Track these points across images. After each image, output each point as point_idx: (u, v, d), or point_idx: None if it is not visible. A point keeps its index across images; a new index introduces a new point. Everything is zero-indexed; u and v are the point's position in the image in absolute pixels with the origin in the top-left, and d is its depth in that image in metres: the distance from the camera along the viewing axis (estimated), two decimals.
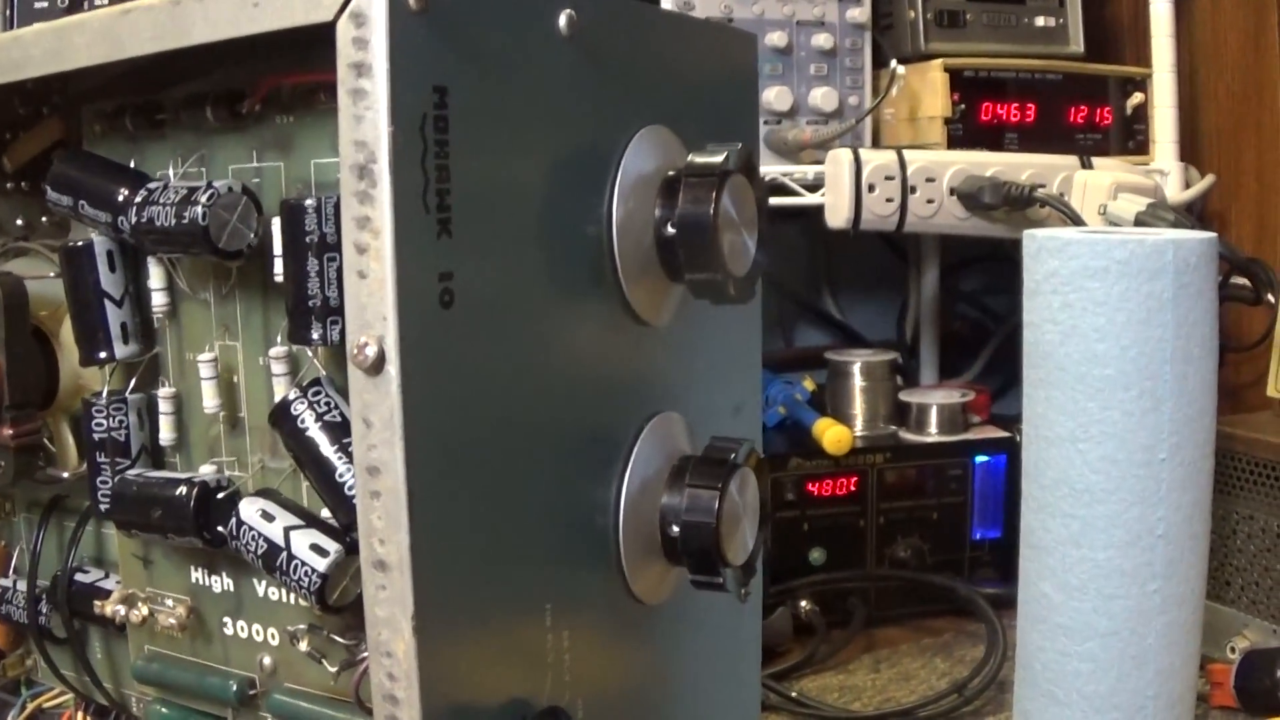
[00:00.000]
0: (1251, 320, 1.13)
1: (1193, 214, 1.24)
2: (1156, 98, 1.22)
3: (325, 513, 0.54)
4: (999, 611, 1.05)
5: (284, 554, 0.53)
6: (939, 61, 1.14)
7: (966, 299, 1.52)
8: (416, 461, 0.44)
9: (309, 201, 0.50)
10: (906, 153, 1.04)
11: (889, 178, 1.03)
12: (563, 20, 0.51)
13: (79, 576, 0.67)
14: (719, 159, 0.55)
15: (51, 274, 0.64)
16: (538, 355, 0.51)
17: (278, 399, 0.53)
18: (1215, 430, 0.74)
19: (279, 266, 0.52)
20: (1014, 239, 0.78)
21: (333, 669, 0.55)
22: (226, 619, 0.60)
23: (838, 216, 1.03)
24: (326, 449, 0.51)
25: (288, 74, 0.52)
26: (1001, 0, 1.22)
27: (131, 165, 0.58)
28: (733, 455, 0.58)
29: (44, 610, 0.68)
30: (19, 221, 0.71)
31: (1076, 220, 0.99)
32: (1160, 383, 0.70)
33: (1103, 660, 0.73)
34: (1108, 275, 0.70)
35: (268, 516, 0.54)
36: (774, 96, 1.12)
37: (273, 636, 0.59)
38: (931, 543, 1.15)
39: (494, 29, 0.48)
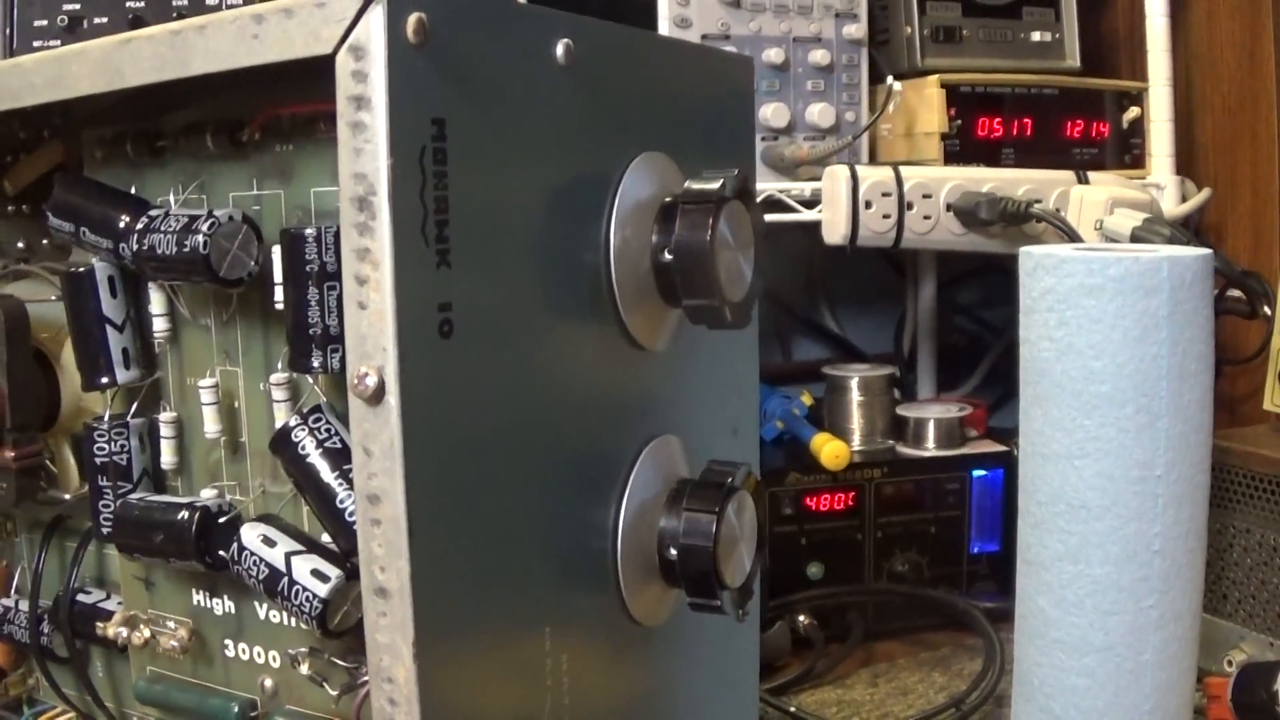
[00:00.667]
0: (1248, 333, 1.13)
1: (1189, 227, 1.24)
2: (1152, 112, 1.22)
3: (326, 537, 0.54)
4: (997, 625, 1.05)
5: (285, 579, 0.53)
6: (935, 77, 1.15)
7: (964, 312, 1.53)
8: (416, 490, 0.44)
9: (309, 231, 0.50)
10: (903, 169, 1.04)
11: (885, 194, 1.03)
12: (560, 50, 0.52)
13: (81, 597, 0.67)
14: (715, 185, 0.56)
15: (53, 297, 0.64)
16: (536, 382, 0.52)
17: (279, 425, 0.54)
18: (1211, 445, 0.74)
19: (279, 294, 0.52)
20: (1011, 254, 0.78)
21: (334, 692, 0.56)
22: (228, 641, 0.61)
23: (835, 233, 1.03)
24: (327, 475, 0.52)
25: (288, 103, 0.53)
26: (997, 15, 1.22)
27: (132, 191, 0.59)
28: (730, 479, 0.59)
29: (46, 630, 0.69)
30: (20, 244, 0.71)
31: (1073, 236, 0.99)
32: (1156, 399, 0.70)
33: (1099, 675, 0.73)
34: (1103, 292, 0.70)
35: (269, 542, 0.54)
36: (771, 113, 1.12)
37: (274, 659, 0.59)
38: (929, 557, 1.15)
39: (492, 60, 0.48)
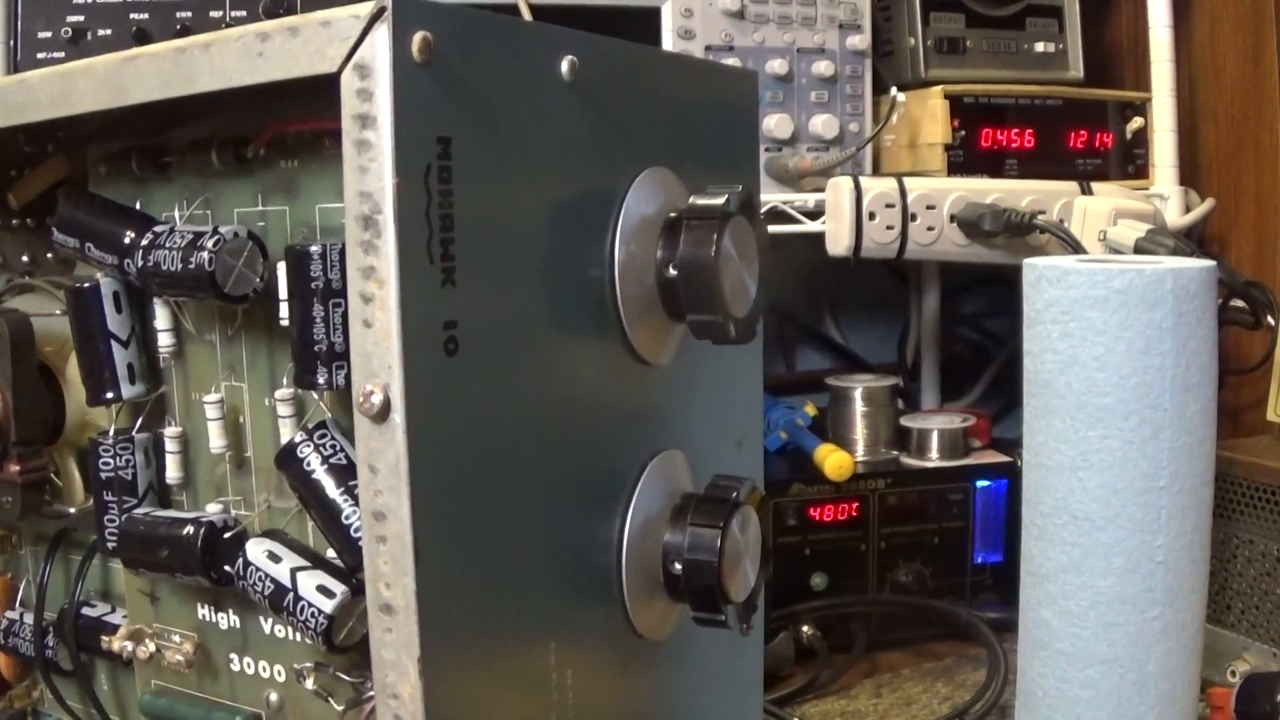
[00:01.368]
0: (1252, 342, 1.13)
1: (1193, 237, 1.24)
2: (1156, 122, 1.23)
3: (331, 553, 0.54)
4: (1001, 635, 1.05)
5: (290, 595, 0.53)
6: (939, 88, 1.15)
7: (967, 322, 1.53)
8: (421, 507, 0.44)
9: (314, 248, 0.50)
10: (907, 180, 1.04)
11: (889, 205, 1.03)
12: (564, 66, 0.52)
13: (86, 610, 0.68)
14: (720, 201, 0.56)
15: (57, 311, 0.64)
16: (541, 398, 0.52)
17: (284, 441, 0.54)
18: (1215, 457, 0.74)
19: (285, 310, 0.52)
20: (1014, 265, 0.78)
21: (339, 707, 0.56)
22: (233, 655, 0.61)
23: (838, 244, 1.03)
24: (333, 491, 0.52)
25: (293, 120, 0.53)
26: (1001, 26, 1.22)
27: (137, 206, 0.59)
28: (734, 494, 0.59)
29: (51, 644, 0.69)
30: (24, 258, 0.71)
31: (1076, 247, 1.00)
32: (1160, 411, 0.70)
33: (1103, 687, 0.73)
34: (1107, 304, 0.70)
35: (274, 557, 0.54)
36: (775, 124, 1.12)
37: (279, 673, 0.59)
38: (933, 567, 1.15)
39: (497, 78, 0.48)
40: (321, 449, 0.52)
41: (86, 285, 0.59)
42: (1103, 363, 0.70)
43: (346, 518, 0.51)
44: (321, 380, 0.51)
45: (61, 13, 1.00)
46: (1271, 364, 1.02)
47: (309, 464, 0.52)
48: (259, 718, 0.60)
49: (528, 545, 0.51)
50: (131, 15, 1.00)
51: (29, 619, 0.69)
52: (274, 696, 0.60)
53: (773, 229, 1.08)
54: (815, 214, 1.11)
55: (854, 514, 1.13)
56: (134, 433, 0.60)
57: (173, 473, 0.60)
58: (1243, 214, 1.29)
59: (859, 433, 1.20)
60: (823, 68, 1.15)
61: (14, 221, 0.71)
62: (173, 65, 0.50)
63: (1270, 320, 1.02)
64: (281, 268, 0.52)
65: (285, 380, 0.55)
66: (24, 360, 0.63)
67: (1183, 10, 1.26)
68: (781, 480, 1.12)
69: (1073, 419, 0.72)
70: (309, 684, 0.57)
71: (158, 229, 0.55)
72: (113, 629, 0.65)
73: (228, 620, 0.61)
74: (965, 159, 1.16)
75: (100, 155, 0.61)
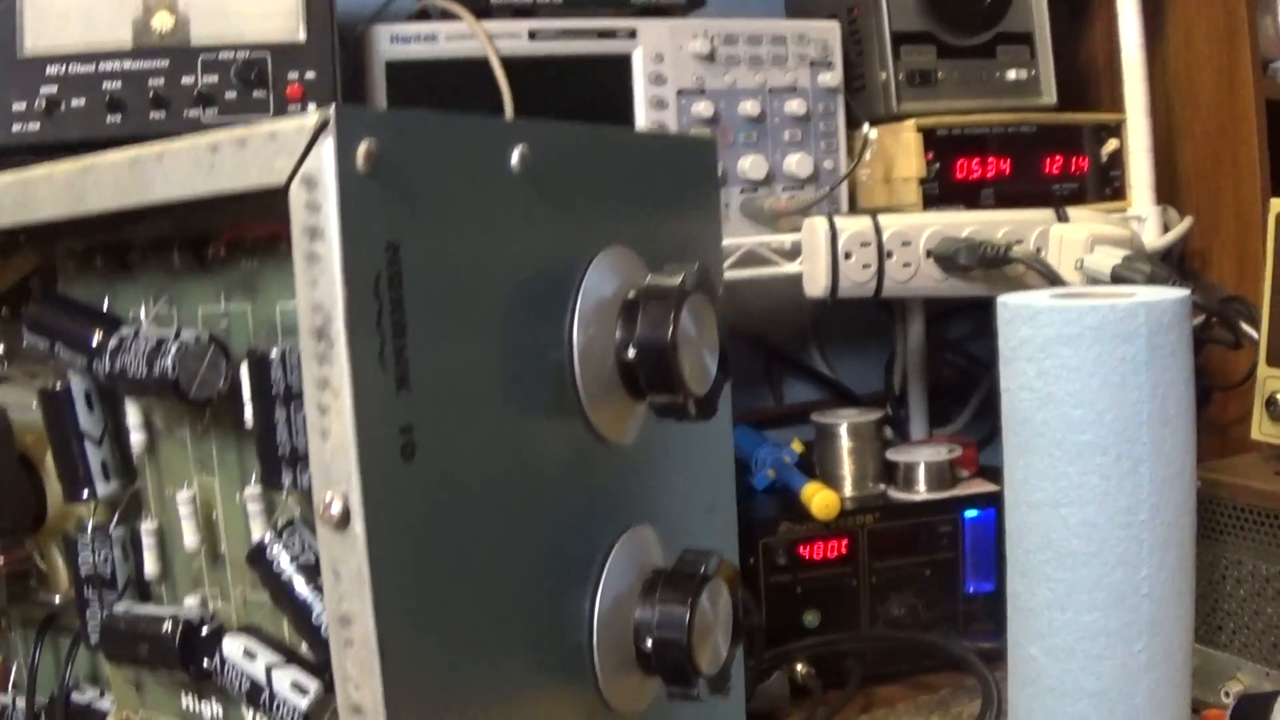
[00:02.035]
0: (1238, 356, 1.13)
1: (1173, 256, 1.24)
2: (1131, 142, 1.23)
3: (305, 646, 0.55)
4: (994, 665, 1.05)
5: (266, 693, 0.54)
6: (912, 122, 1.15)
7: (953, 347, 1.53)
8: (386, 611, 0.45)
9: (273, 354, 0.51)
10: (881, 217, 1.05)
11: (865, 244, 1.03)
12: (515, 158, 0.52)
13: (75, 696, 0.68)
14: (676, 280, 0.56)
15: (34, 404, 0.65)
16: (504, 487, 0.52)
17: (254, 539, 0.55)
18: (1195, 487, 0.74)
19: (249, 412, 0.53)
20: (994, 296, 0.79)
21: None
22: None
23: (816, 286, 1.04)
24: (302, 589, 0.53)
25: (250, 223, 0.54)
26: (972, 56, 1.22)
27: (105, 303, 0.60)
28: (703, 568, 0.59)
29: None
30: None
31: (1053, 278, 1.00)
32: (1138, 445, 0.71)
33: None
34: (1081, 341, 0.70)
35: (249, 655, 0.55)
36: (749, 165, 1.13)
37: None
38: (925, 599, 1.15)
39: (445, 178, 0.49)
40: (289, 547, 0.53)
41: (58, 388, 0.59)
42: (1079, 399, 0.71)
43: (316, 617, 0.52)
44: (287, 482, 0.52)
45: (35, 84, 1.00)
46: (1254, 382, 1.02)
47: (278, 565, 0.53)
48: None
49: (497, 632, 0.52)
50: (105, 85, 1.00)
51: (21, 703, 0.70)
52: None
53: (751, 272, 1.09)
54: (793, 254, 1.11)
55: (844, 550, 1.13)
56: (111, 529, 0.61)
57: (151, 567, 0.61)
58: (1223, 229, 1.29)
59: (846, 469, 1.20)
60: (795, 106, 1.15)
61: None
62: (128, 175, 0.51)
63: (1252, 332, 1.02)
64: (245, 367, 0.53)
65: (254, 477, 0.56)
66: (3, 452, 0.64)
67: (1155, 25, 1.26)
68: (770, 519, 1.12)
69: (1052, 455, 0.72)
70: None
71: (123, 332, 0.56)
72: (101, 715, 0.66)
73: (210, 709, 0.61)
74: (940, 191, 1.16)
75: (67, 253, 0.62)
